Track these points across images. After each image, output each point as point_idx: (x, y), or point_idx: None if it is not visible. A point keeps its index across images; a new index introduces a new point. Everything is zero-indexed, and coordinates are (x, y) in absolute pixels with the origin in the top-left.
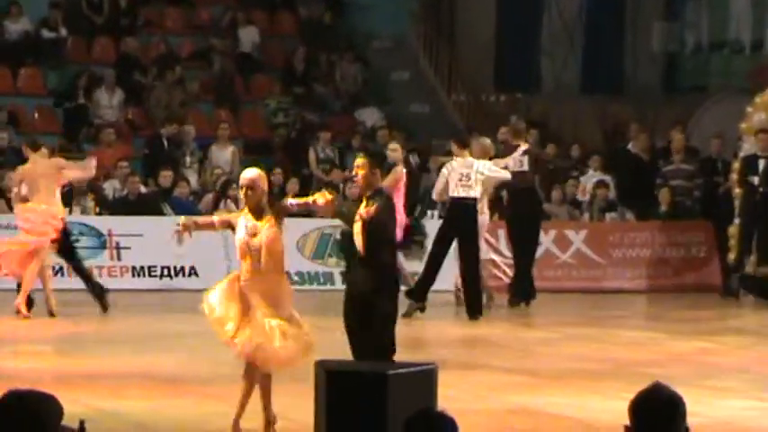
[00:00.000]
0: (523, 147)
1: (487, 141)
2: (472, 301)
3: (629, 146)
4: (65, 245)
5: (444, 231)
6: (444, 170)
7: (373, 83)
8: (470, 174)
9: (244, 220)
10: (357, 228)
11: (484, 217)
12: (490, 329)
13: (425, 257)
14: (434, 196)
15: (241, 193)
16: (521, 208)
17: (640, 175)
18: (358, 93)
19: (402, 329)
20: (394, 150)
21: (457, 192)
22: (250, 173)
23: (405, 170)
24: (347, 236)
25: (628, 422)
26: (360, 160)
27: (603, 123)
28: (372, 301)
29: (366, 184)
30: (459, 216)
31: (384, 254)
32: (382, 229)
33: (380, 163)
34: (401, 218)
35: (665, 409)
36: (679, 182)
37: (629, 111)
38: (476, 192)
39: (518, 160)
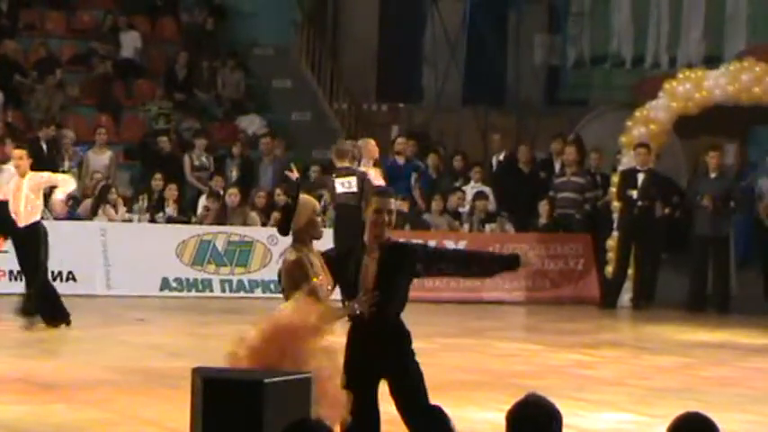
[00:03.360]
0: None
1: None
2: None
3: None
4: None
5: None
6: None
7: (255, 90)
8: None
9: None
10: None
11: None
12: None
13: None
14: None
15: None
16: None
17: (520, 186)
18: (240, 100)
19: None
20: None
21: None
22: None
23: None
24: None
25: None
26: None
27: (485, 135)
28: None
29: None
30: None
31: None
32: None
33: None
34: None
35: (541, 420)
36: (568, 194)
37: (510, 122)
38: None
39: (347, 182)
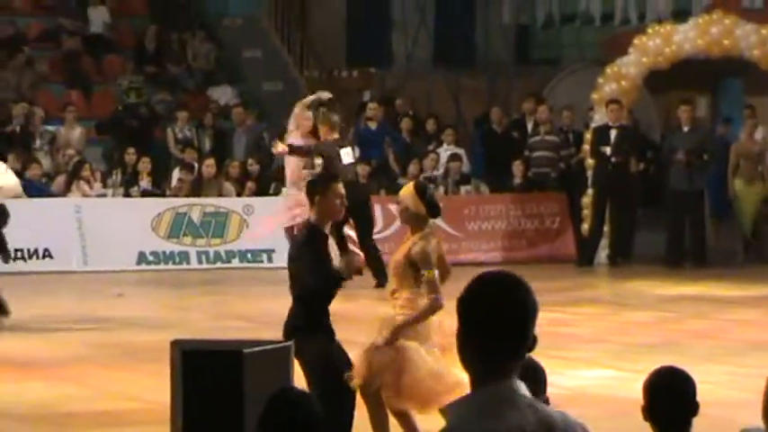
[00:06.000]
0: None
1: None
2: None
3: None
4: None
5: None
6: None
7: (225, 61)
8: None
9: None
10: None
11: None
12: (351, 305)
13: None
14: None
15: None
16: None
17: (494, 147)
18: (211, 71)
19: (257, 304)
20: None
21: None
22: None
23: None
24: None
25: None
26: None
27: (457, 97)
28: None
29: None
30: None
31: None
32: None
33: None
34: None
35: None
36: (542, 153)
37: (481, 84)
38: None
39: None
